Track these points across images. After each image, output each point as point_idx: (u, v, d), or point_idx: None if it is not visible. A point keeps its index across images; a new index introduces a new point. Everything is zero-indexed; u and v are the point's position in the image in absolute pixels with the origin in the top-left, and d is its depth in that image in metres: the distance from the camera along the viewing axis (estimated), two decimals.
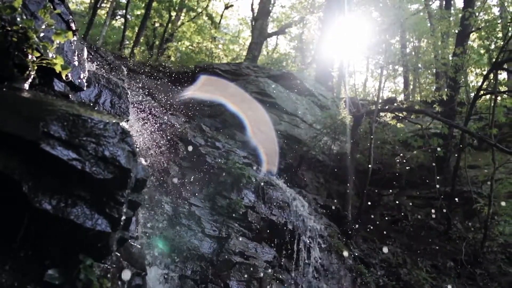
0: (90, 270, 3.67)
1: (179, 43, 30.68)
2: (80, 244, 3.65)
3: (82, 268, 3.65)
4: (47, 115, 3.43)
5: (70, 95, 4.62)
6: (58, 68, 4.01)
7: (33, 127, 3.31)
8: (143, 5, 26.54)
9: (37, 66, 4.01)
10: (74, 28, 4.94)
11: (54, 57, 4.05)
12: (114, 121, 3.82)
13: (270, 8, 32.07)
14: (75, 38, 4.94)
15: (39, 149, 3.28)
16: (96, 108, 4.87)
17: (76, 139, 3.48)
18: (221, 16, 34.97)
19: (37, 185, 3.32)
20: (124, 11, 25.93)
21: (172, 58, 28.81)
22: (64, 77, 4.20)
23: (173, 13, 28.63)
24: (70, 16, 4.93)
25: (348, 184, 13.52)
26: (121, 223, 3.81)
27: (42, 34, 4.12)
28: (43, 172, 3.38)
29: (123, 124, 3.99)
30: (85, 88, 4.88)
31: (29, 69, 3.93)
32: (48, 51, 4.02)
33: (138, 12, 29.34)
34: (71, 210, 3.46)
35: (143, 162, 4.08)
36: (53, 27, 4.22)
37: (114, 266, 4.22)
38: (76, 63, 4.81)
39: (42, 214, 3.31)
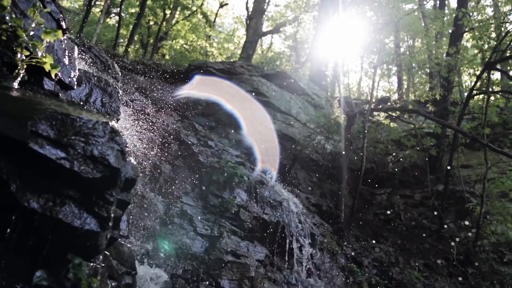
0: (78, 269, 3.67)
1: (174, 41, 30.66)
2: (69, 243, 3.64)
3: (71, 267, 3.64)
4: (35, 114, 3.42)
5: (60, 94, 4.60)
6: (47, 67, 4.00)
7: (21, 126, 3.30)
8: (138, 3, 26.52)
9: (27, 65, 4.00)
10: (64, 26, 4.92)
11: (43, 55, 4.04)
12: (103, 120, 3.82)
13: (265, 7, 32.06)
14: (65, 36, 4.93)
15: (27, 148, 3.27)
16: (86, 107, 4.86)
17: (64, 138, 3.48)
18: (216, 14, 34.98)
19: (25, 184, 3.31)
20: (118, 9, 25.86)
21: (167, 57, 28.80)
22: (53, 76, 4.19)
23: (168, 11, 28.63)
24: (61, 15, 4.91)
25: (341, 183, 13.55)
26: (110, 222, 3.81)
27: (31, 33, 4.11)
28: (31, 171, 3.37)
29: (113, 123, 3.99)
30: (75, 87, 4.87)
31: (19, 67, 3.92)
32: (37, 49, 4.01)
33: (133, 10, 29.32)
34: (60, 209, 3.46)
35: (133, 161, 4.07)
36: (42, 25, 4.21)
37: (104, 265, 4.22)
38: (66, 61, 4.79)
39: (30, 213, 3.31)
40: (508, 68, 19.87)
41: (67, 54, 4.87)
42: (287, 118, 16.44)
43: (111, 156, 3.72)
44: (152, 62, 20.63)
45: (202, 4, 31.58)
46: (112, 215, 3.82)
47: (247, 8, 32.25)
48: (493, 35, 15.42)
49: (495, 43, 14.12)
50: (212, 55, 32.09)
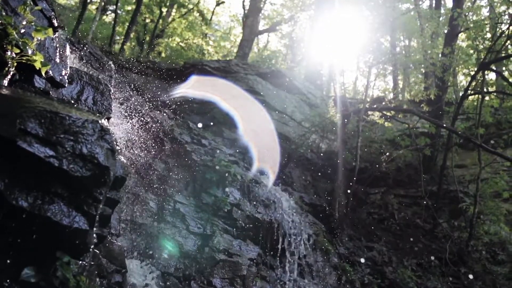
0: (67, 267, 3.68)
1: (170, 39, 30.62)
2: (57, 241, 3.65)
3: (59, 265, 3.65)
4: (24, 112, 3.42)
5: (50, 92, 4.61)
6: (38, 65, 4.01)
7: (9, 124, 3.30)
8: (134, 0, 26.47)
9: (17, 63, 4.00)
10: (56, 24, 4.92)
11: (34, 53, 4.04)
12: (93, 118, 3.83)
13: (261, 6, 32.05)
14: (56, 34, 4.93)
15: (15, 146, 3.27)
16: (75, 105, 4.86)
17: (53, 137, 3.48)
18: (212, 12, 34.96)
19: (13, 182, 3.31)
20: (114, 6, 25.80)
21: (163, 55, 28.76)
22: (44, 74, 4.19)
23: (164, 9, 28.58)
24: (52, 12, 4.91)
25: (336, 183, 13.56)
26: (99, 220, 3.82)
27: (22, 31, 4.12)
28: (20, 169, 3.38)
29: (103, 121, 4.00)
30: (66, 85, 4.87)
31: (9, 65, 3.92)
32: (28, 47, 4.02)
33: (129, 8, 29.26)
34: (48, 208, 3.46)
35: (123, 159, 4.08)
36: (33, 23, 4.21)
37: (93, 263, 4.23)
38: (57, 59, 4.79)
39: (18, 211, 3.31)
40: (503, 68, 19.91)
41: (58, 52, 4.87)
42: (282, 117, 16.46)
43: (101, 155, 3.72)
44: (148, 60, 20.59)
45: (198, 2, 31.55)
46: (101, 213, 3.83)
47: (243, 7, 32.23)
48: (488, 35, 15.44)
49: (490, 43, 14.14)
50: (208, 53, 32.06)
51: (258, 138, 13.67)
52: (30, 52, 4.03)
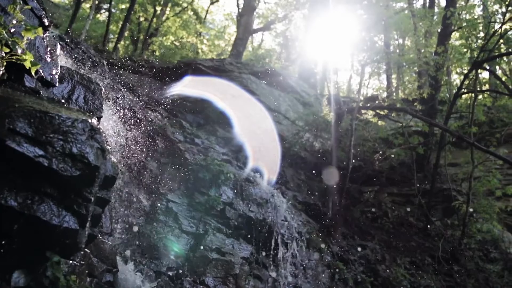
0: (57, 267, 3.67)
1: (164, 38, 30.58)
2: (47, 241, 3.64)
3: (49, 265, 3.65)
4: (13, 111, 3.42)
5: (41, 91, 4.59)
6: (27, 64, 3.99)
7: None
8: None
9: (7, 62, 3.98)
10: (46, 23, 4.91)
11: (24, 52, 4.02)
12: (82, 118, 3.82)
13: (256, 4, 32.03)
14: (47, 33, 4.91)
15: (4, 146, 3.27)
16: (65, 105, 4.85)
17: (43, 136, 3.48)
18: (207, 11, 34.90)
19: (2, 182, 3.31)
20: (108, 4, 25.74)
21: (157, 53, 28.73)
22: (34, 73, 4.18)
23: (158, 8, 28.55)
24: (43, 12, 4.90)
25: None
26: (89, 220, 3.81)
27: (12, 30, 4.10)
28: (9, 169, 3.37)
29: (93, 121, 3.99)
30: (57, 84, 4.85)
31: None
32: (17, 46, 4.00)
33: (123, 6, 29.19)
34: (38, 207, 3.46)
35: (113, 159, 4.07)
36: (23, 22, 4.20)
37: (83, 263, 4.22)
38: (48, 58, 4.78)
39: (7, 211, 3.31)
40: (496, 67, 19.99)
41: (49, 51, 4.85)
42: (276, 116, 16.46)
43: (91, 154, 3.72)
44: (142, 59, 20.57)
45: (192, 0, 31.51)
46: (92, 213, 3.83)
47: (237, 5, 32.24)
48: (481, 34, 15.49)
49: (483, 42, 14.19)
50: (202, 52, 32.05)
51: (255, 137, 13.64)
52: (20, 51, 4.02)
